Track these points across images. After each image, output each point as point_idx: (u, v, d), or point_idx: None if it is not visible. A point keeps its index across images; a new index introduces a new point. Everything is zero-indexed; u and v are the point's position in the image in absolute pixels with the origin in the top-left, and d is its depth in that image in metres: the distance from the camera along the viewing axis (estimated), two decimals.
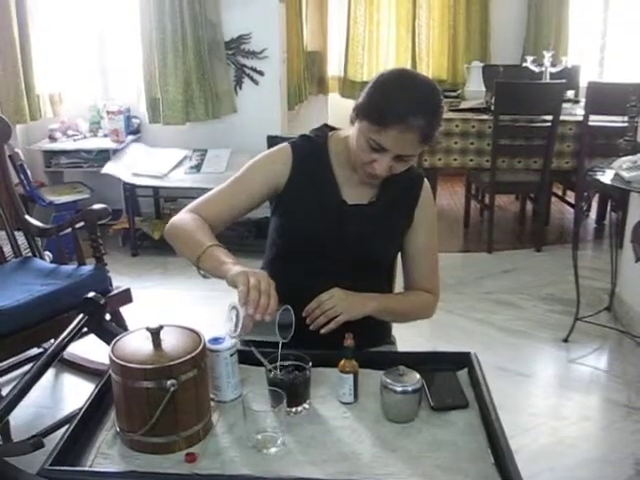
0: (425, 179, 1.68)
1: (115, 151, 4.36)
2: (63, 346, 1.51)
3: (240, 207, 1.60)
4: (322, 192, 1.61)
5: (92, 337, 1.71)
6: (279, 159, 1.62)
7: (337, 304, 1.49)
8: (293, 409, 1.30)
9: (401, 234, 1.67)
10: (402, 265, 1.74)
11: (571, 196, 4.96)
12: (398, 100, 1.42)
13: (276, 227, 1.67)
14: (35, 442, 1.21)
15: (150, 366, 1.17)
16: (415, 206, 1.65)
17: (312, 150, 1.63)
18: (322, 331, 1.48)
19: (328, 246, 1.60)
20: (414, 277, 1.70)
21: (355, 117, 1.51)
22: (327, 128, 1.69)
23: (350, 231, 1.60)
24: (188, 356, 1.19)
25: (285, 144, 1.64)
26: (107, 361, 1.21)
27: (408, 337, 1.87)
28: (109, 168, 4.20)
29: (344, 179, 1.62)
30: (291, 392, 1.26)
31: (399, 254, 1.73)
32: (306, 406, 1.32)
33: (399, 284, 1.93)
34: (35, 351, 2.71)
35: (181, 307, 3.50)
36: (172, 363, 1.17)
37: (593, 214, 4.91)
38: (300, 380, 1.31)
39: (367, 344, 1.59)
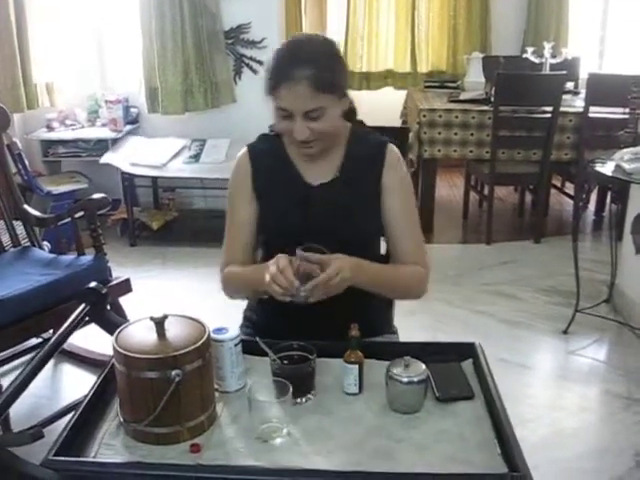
0: (390, 144, 1.63)
1: (114, 140, 4.34)
2: (65, 336, 1.49)
3: (252, 230, 1.65)
4: (286, 182, 1.62)
5: (90, 327, 1.70)
6: (241, 169, 1.66)
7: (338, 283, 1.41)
8: (298, 399, 1.30)
9: (374, 203, 1.62)
10: (386, 243, 1.69)
11: (570, 188, 4.95)
12: (280, 60, 1.48)
13: (260, 223, 1.67)
14: (35, 433, 1.20)
15: (154, 356, 1.16)
16: (381, 171, 1.60)
17: (268, 146, 1.64)
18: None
19: (306, 233, 1.58)
20: (398, 250, 1.63)
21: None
22: None
23: (321, 212, 1.59)
24: (193, 346, 1.18)
25: (244, 149, 1.68)
26: (106, 351, 1.20)
27: (408, 328, 1.86)
28: (108, 158, 4.18)
29: (304, 164, 1.62)
30: (296, 382, 1.26)
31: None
32: (311, 397, 1.32)
33: None
34: (34, 341, 2.70)
35: (180, 297, 3.49)
36: (177, 353, 1.16)
37: (592, 206, 4.91)
38: (305, 371, 1.31)
39: (368, 333, 1.58)
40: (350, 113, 1.65)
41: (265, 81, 1.49)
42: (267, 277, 1.37)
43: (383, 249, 1.76)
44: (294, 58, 1.45)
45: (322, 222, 1.58)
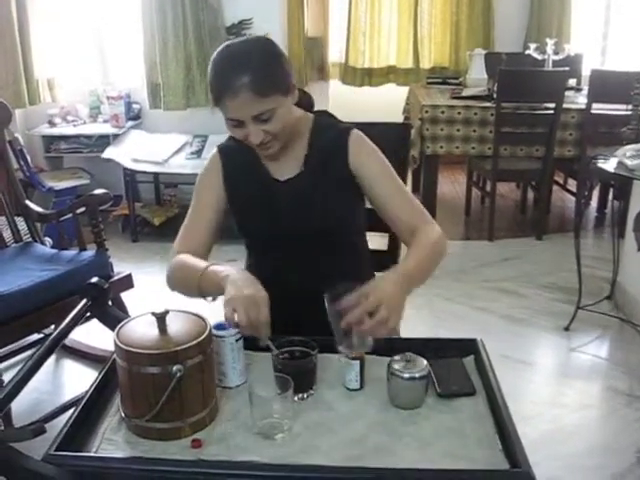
0: (354, 130, 1.61)
1: (115, 136, 4.34)
2: (66, 332, 1.50)
3: (212, 226, 1.62)
4: (255, 179, 1.62)
5: (92, 323, 1.70)
6: (211, 167, 1.65)
7: (382, 307, 1.25)
8: (299, 395, 1.29)
9: (345, 188, 1.60)
10: (388, 224, 1.63)
11: (572, 185, 4.94)
12: (217, 73, 1.45)
13: (236, 225, 1.68)
14: (36, 428, 1.20)
15: (156, 351, 1.16)
16: (347, 157, 1.58)
17: (237, 145, 1.62)
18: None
19: (279, 228, 1.59)
20: (398, 220, 1.58)
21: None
22: None
23: (291, 207, 1.58)
24: (194, 341, 1.18)
25: (214, 149, 1.67)
26: (107, 347, 1.20)
27: (409, 325, 1.85)
28: (109, 153, 4.18)
29: (272, 164, 1.61)
30: (297, 378, 1.25)
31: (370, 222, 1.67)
32: (312, 392, 1.32)
33: None
34: (36, 337, 2.71)
35: None
36: (178, 348, 1.16)
37: (594, 202, 4.90)
38: (306, 366, 1.31)
39: None
40: (306, 104, 1.65)
41: (209, 94, 1.48)
42: (227, 311, 1.26)
43: (375, 245, 1.76)
44: (229, 68, 1.43)
45: (294, 217, 1.58)
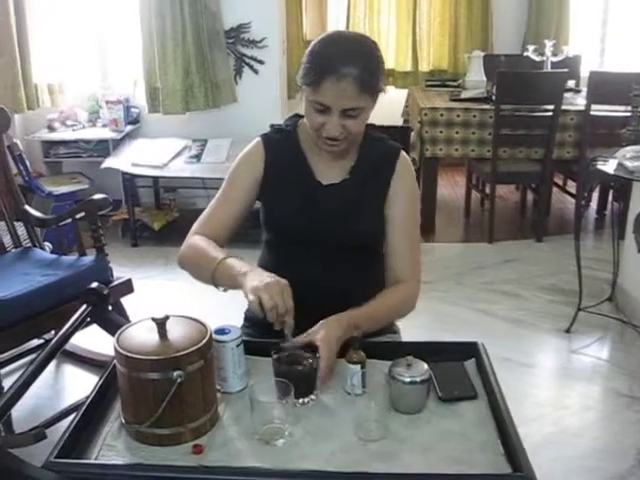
0: (403, 152, 1.64)
1: (114, 141, 4.34)
2: (66, 337, 1.49)
3: (240, 211, 1.62)
4: (297, 178, 1.61)
5: (92, 328, 1.70)
6: (254, 153, 1.64)
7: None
8: (300, 400, 1.29)
9: (381, 206, 1.62)
10: (384, 248, 1.67)
11: (572, 186, 4.94)
12: (326, 54, 1.44)
13: (263, 220, 1.67)
14: (37, 434, 1.20)
15: (156, 357, 1.15)
16: (391, 177, 1.61)
17: (282, 139, 1.63)
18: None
19: (312, 231, 1.59)
20: (392, 261, 1.62)
21: (299, 89, 1.52)
22: (297, 117, 1.69)
23: (329, 212, 1.58)
24: (194, 347, 1.17)
25: (257, 138, 1.66)
26: (108, 352, 1.20)
27: (410, 328, 1.85)
28: (109, 163, 4.19)
29: (316, 162, 1.61)
30: (298, 383, 1.25)
31: None
32: (313, 397, 1.31)
33: None
34: (36, 342, 2.70)
35: (182, 297, 3.47)
36: (178, 354, 1.16)
37: (594, 204, 4.90)
38: (307, 370, 1.30)
39: (369, 334, 1.57)
40: None
41: (304, 71, 1.46)
42: (251, 297, 1.30)
43: None
44: (341, 54, 1.42)
45: (330, 223, 1.58)
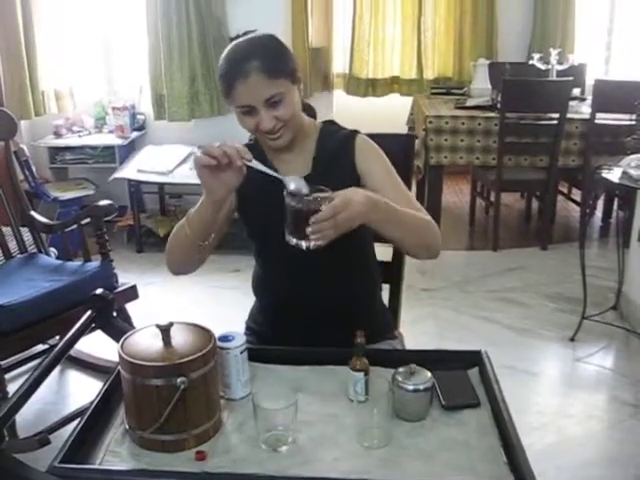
0: (360, 134, 1.64)
1: (120, 147, 4.36)
2: (71, 343, 1.50)
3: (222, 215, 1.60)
4: (265, 185, 1.57)
5: (97, 333, 1.70)
6: None
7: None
8: (294, 241, 1.28)
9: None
10: None
11: (577, 194, 4.93)
12: (228, 63, 1.49)
13: (246, 232, 1.69)
14: (41, 439, 1.21)
15: (160, 363, 1.16)
16: (354, 158, 1.61)
17: (251, 150, 1.62)
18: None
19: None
20: None
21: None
22: None
23: None
24: (198, 354, 1.18)
25: None
26: (112, 358, 1.20)
27: (414, 335, 1.86)
28: (117, 174, 4.21)
29: (278, 163, 1.62)
30: (302, 219, 1.25)
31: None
32: (305, 244, 1.29)
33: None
34: (41, 348, 2.71)
35: (186, 304, 3.49)
36: (182, 361, 1.16)
37: (599, 212, 4.89)
38: (321, 202, 1.26)
39: (368, 338, 1.57)
40: (309, 110, 1.69)
41: (220, 87, 1.53)
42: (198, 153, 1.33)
43: (379, 256, 1.76)
44: (239, 56, 1.48)
45: None
